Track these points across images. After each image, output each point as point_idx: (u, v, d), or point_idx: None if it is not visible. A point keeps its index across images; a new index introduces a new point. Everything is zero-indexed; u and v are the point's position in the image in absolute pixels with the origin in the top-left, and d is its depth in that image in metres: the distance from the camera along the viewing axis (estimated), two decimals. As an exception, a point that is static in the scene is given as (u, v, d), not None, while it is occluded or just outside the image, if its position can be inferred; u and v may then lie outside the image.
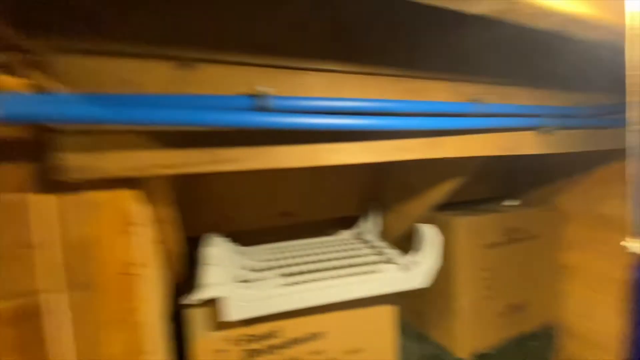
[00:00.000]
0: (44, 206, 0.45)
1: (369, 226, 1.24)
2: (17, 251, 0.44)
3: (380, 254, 1.01)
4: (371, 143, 0.60)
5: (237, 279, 0.86)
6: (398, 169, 1.10)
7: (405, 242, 1.05)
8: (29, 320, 0.44)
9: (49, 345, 0.44)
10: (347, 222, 1.31)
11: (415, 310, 1.25)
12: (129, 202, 0.50)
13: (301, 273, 0.91)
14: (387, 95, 0.61)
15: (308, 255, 1.02)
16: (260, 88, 0.47)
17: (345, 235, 1.23)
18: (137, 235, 0.51)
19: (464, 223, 1.10)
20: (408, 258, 0.93)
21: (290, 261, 0.98)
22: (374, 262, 0.95)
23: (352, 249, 1.06)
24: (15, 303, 0.44)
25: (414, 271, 0.91)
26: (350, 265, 0.93)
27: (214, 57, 0.50)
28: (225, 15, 0.51)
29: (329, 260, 0.98)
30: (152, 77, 0.46)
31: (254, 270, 0.93)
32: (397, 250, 0.98)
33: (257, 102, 0.47)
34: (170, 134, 0.47)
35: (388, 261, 0.94)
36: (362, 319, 0.94)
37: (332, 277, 0.84)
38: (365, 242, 1.13)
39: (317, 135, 0.56)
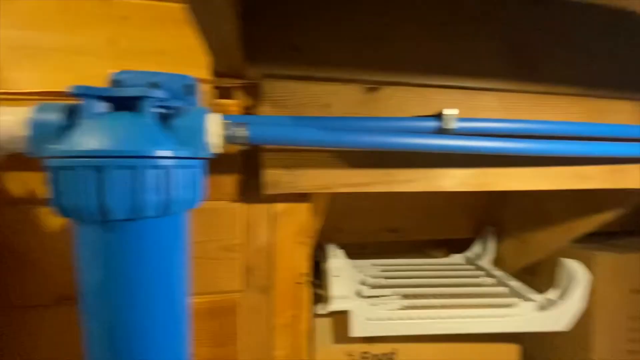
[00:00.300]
0: (242, 214, 0.50)
1: (483, 252, 1.15)
2: (220, 253, 0.49)
3: (503, 285, 0.92)
4: (546, 169, 0.55)
5: (360, 295, 0.86)
6: (524, 193, 1.00)
7: (528, 274, 0.94)
8: (223, 316, 0.50)
9: (239, 339, 0.49)
10: (455, 245, 1.23)
11: (539, 355, 1.10)
12: (306, 214, 0.53)
13: (422, 296, 0.87)
14: (566, 116, 0.56)
15: (424, 277, 0.97)
16: (447, 111, 0.46)
17: (456, 259, 1.16)
18: (307, 246, 0.54)
19: (609, 261, 0.95)
20: (547, 296, 0.83)
21: (407, 281, 0.95)
22: (502, 295, 0.87)
23: (470, 276, 0.98)
24: (211, 299, 0.49)
25: (556, 312, 0.81)
26: (475, 295, 0.86)
27: (396, 80, 0.50)
28: (403, 38, 0.52)
29: (448, 285, 0.92)
30: (342, 99, 0.49)
31: (372, 286, 0.92)
32: (521, 284, 0.89)
33: (442, 125, 0.46)
34: (354, 153, 0.49)
35: (520, 296, 0.85)
36: (484, 353, 0.86)
37: (457, 306, 0.79)
38: (481, 269, 1.05)
39: (487, 158, 0.53)
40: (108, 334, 0.32)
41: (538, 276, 0.97)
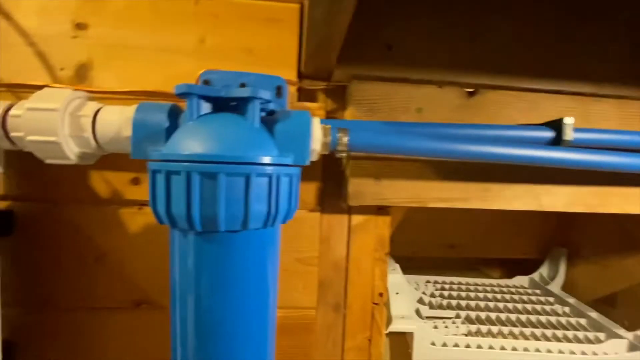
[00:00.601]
0: (319, 226, 0.47)
1: (551, 275, 1.04)
2: (297, 266, 0.46)
3: (581, 315, 0.82)
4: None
5: (420, 315, 0.80)
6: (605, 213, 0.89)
7: (607, 305, 0.83)
8: (297, 333, 0.46)
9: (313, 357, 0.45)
10: (510, 265, 1.14)
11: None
12: (385, 229, 0.49)
13: (489, 321, 0.80)
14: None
15: (487, 299, 0.89)
16: (567, 120, 0.40)
17: (521, 281, 1.06)
18: (385, 263, 0.49)
19: None
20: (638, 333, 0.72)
21: (468, 303, 0.87)
22: (582, 328, 0.77)
23: (539, 302, 0.89)
24: (286, 314, 0.46)
25: (652, 353, 0.70)
26: (550, 325, 0.77)
27: (497, 83, 0.45)
28: (505, 37, 0.46)
29: (516, 311, 0.84)
30: (437, 103, 0.44)
31: (432, 306, 0.86)
32: (601, 315, 0.78)
33: (559, 136, 0.40)
34: (447, 164, 0.44)
35: (605, 330, 0.75)
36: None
37: (531, 336, 0.71)
38: (551, 295, 0.95)
39: (596, 174, 0.46)
40: (200, 344, 0.29)
41: (619, 308, 0.85)
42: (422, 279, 1.04)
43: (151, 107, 0.31)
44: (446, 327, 0.78)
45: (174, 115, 0.31)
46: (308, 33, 0.35)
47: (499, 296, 0.91)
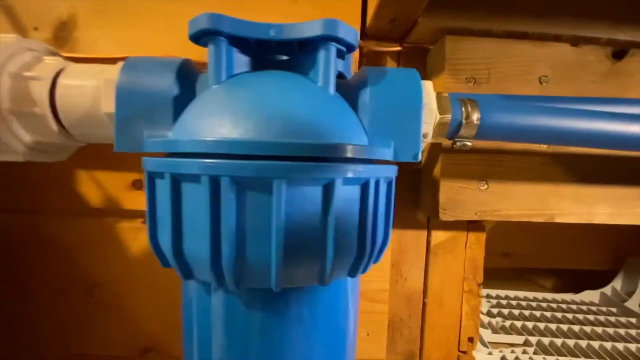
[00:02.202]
0: (389, 246, 0.34)
1: (628, 291, 0.88)
2: (364, 304, 0.33)
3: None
4: None
5: (484, 340, 0.66)
6: None
7: None
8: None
9: None
10: (565, 275, 0.99)
11: None
12: (479, 249, 0.35)
13: (566, 352, 0.65)
14: None
15: (559, 320, 0.74)
16: None
17: (591, 296, 0.91)
18: (477, 297, 0.35)
19: None
20: None
21: (536, 325, 0.73)
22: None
23: (621, 325, 0.74)
24: None
25: None
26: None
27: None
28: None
29: (597, 337, 0.69)
30: (572, 69, 0.30)
31: (494, 329, 0.72)
32: None
33: None
34: (584, 160, 0.30)
35: None
36: None
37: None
38: (633, 314, 0.79)
39: None
40: None
41: None
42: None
43: (148, 65, 0.18)
44: (517, 358, 0.64)
45: (187, 77, 0.18)
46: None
47: (569, 316, 0.76)
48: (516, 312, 0.80)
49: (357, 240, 0.15)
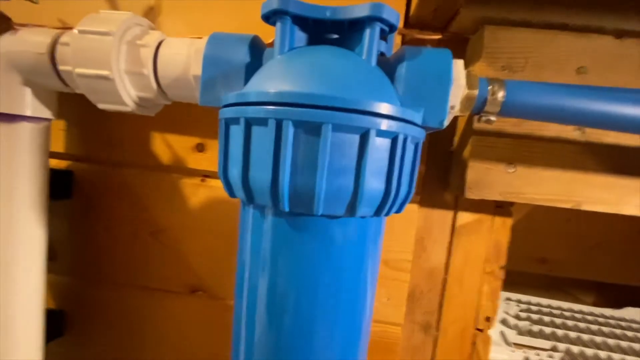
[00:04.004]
0: (415, 221, 0.36)
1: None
2: (385, 270, 0.36)
3: None
4: None
5: (508, 340, 0.66)
6: None
7: None
8: (378, 352, 0.37)
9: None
10: (616, 291, 0.93)
11: None
12: (504, 234, 0.36)
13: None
14: None
15: (592, 332, 0.72)
16: None
17: (633, 313, 0.85)
18: (499, 280, 0.37)
19: None
20: None
21: (567, 333, 0.71)
22: None
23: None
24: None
25: None
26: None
27: None
28: None
29: (629, 353, 0.66)
30: (613, 61, 0.30)
31: (520, 331, 0.71)
32: None
33: None
34: (616, 151, 0.30)
35: None
36: None
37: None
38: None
39: None
40: (275, 343, 0.21)
41: None
42: (501, 295, 0.88)
43: (228, 38, 0.22)
44: (542, 360, 0.63)
45: (257, 50, 0.22)
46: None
47: (605, 329, 0.73)
48: (547, 319, 0.78)
49: (385, 183, 0.18)
